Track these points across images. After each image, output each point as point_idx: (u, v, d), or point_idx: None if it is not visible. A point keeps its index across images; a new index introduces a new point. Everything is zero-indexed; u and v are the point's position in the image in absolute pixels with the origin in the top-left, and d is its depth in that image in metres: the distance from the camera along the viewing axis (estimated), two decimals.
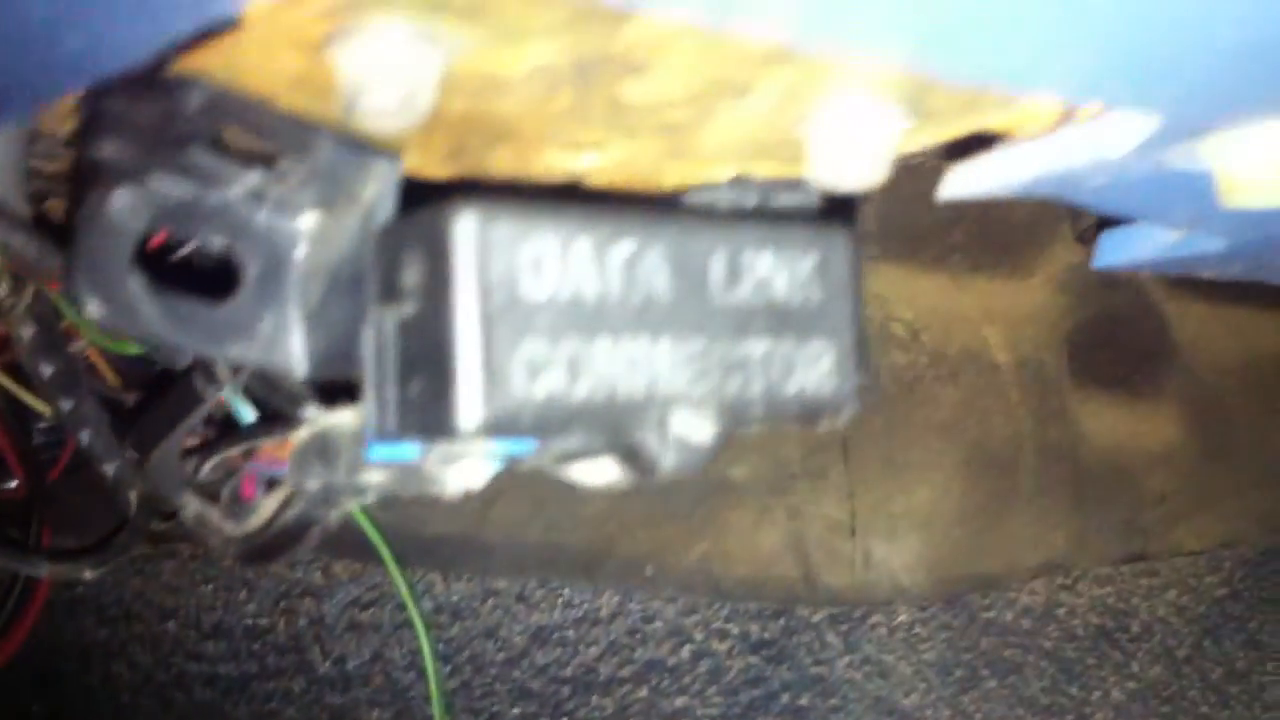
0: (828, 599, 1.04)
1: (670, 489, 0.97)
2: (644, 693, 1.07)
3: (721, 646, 1.10)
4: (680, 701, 1.08)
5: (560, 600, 1.06)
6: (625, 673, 1.07)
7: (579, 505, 0.95)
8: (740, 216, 0.46)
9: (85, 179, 0.42)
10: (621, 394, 0.41)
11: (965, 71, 0.36)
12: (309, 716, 1.01)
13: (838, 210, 0.47)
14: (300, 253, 0.44)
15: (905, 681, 1.17)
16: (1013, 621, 1.26)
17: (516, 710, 1.03)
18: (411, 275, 0.40)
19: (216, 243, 0.43)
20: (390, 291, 0.41)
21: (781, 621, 1.11)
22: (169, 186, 0.42)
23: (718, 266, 0.43)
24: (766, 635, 1.11)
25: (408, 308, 0.40)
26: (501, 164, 0.47)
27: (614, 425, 0.41)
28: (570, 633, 1.06)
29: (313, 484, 0.49)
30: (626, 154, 0.46)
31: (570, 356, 0.40)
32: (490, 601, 1.05)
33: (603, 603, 1.07)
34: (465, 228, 0.38)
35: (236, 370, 0.57)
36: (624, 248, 0.41)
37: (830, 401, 0.44)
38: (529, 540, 0.96)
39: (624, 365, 0.41)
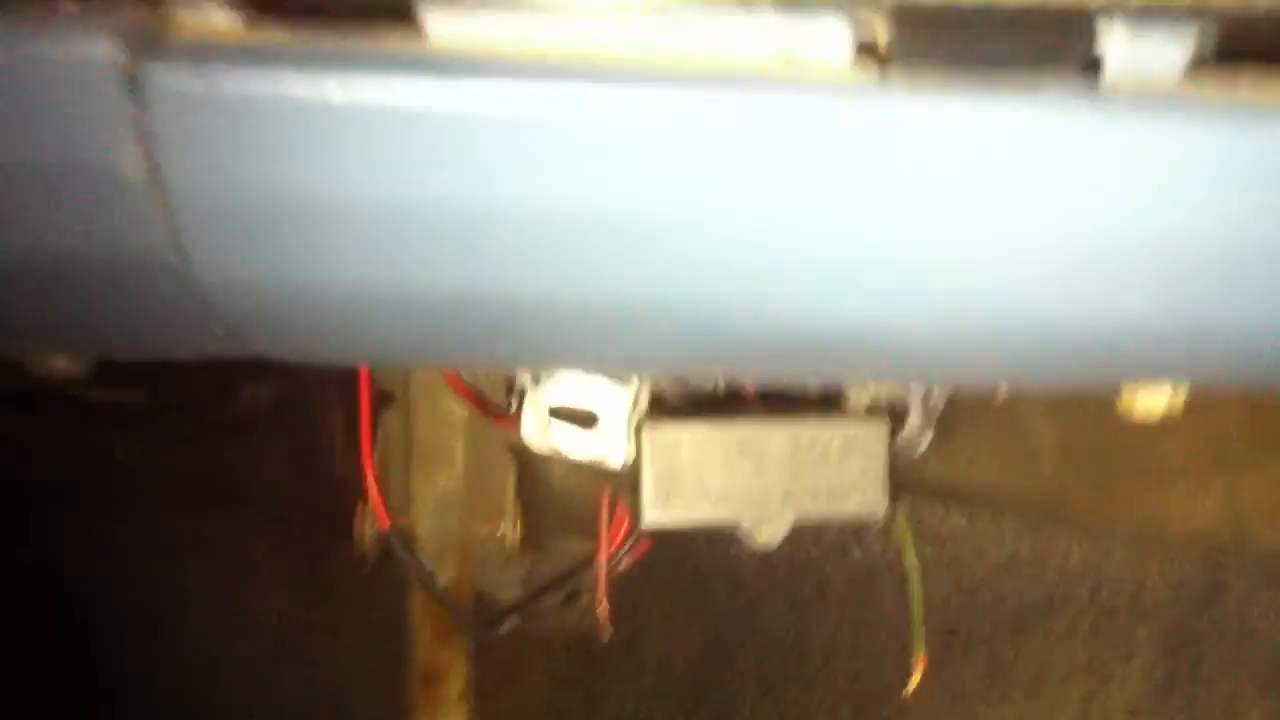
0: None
1: (1116, 460, 1.26)
2: (1087, 621, 1.38)
3: (1154, 591, 1.37)
4: (1115, 631, 1.38)
5: (1025, 537, 1.39)
6: (1073, 602, 1.38)
7: (1039, 462, 1.27)
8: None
9: None
10: None
11: None
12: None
13: None
14: None
15: None
16: None
17: (988, 627, 1.39)
18: None
19: None
20: None
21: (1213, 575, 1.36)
22: None
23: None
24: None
25: None
26: None
27: None
28: (1033, 567, 1.39)
29: None
30: None
31: None
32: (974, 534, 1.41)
33: (1058, 543, 1.39)
34: None
35: None
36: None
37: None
38: (1004, 485, 1.30)
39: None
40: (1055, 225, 0.47)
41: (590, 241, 0.47)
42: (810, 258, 0.48)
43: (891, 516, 1.23)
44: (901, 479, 1.30)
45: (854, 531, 1.38)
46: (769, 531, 0.86)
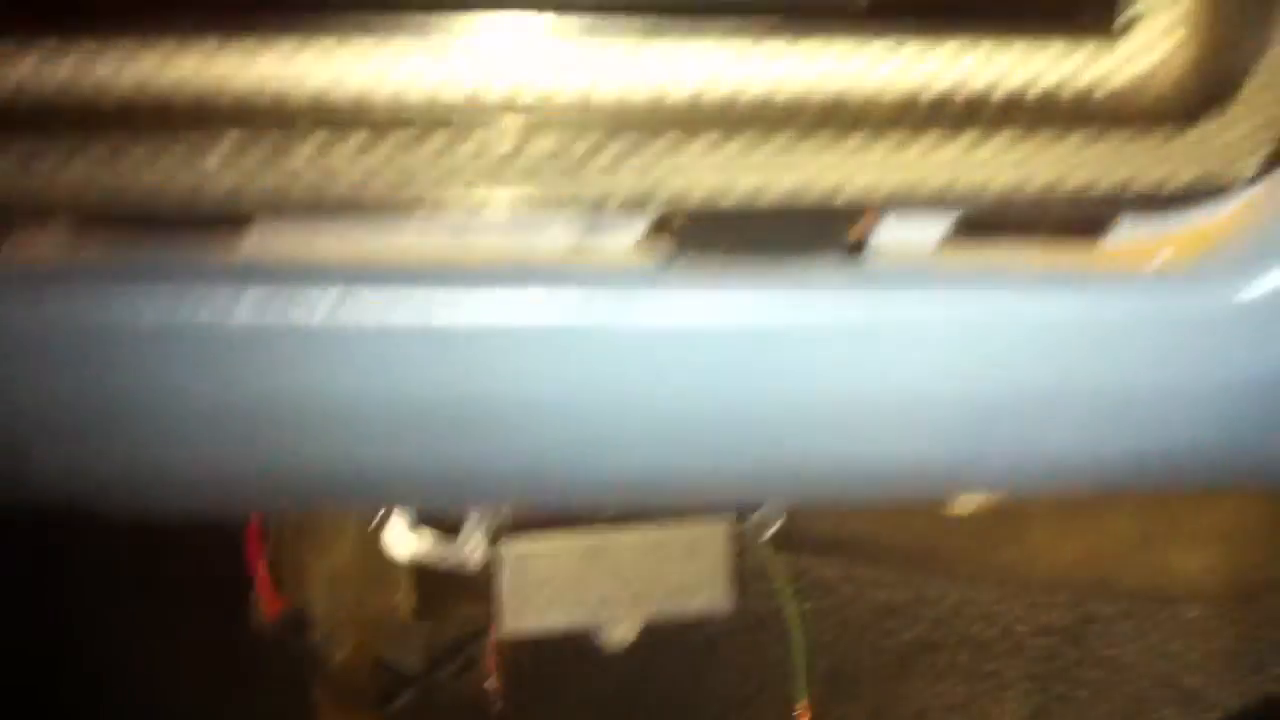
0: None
1: (984, 508, 1.32)
2: (964, 658, 1.44)
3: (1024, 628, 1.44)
4: (990, 666, 1.44)
5: (901, 582, 1.45)
6: (950, 640, 1.44)
7: (911, 513, 1.32)
8: None
9: None
10: None
11: None
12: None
13: None
14: None
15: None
16: None
17: (870, 668, 1.44)
18: None
19: None
20: None
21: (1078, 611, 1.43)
22: None
23: None
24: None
25: None
26: None
27: None
28: (910, 609, 1.45)
29: None
30: None
31: None
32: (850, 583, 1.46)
33: (933, 587, 1.45)
34: None
35: None
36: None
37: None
38: (880, 535, 1.36)
39: None
40: (827, 384, 0.51)
41: (394, 423, 0.51)
42: (612, 419, 0.53)
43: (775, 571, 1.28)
44: (784, 534, 1.35)
45: (740, 584, 1.43)
46: (621, 632, 0.91)
